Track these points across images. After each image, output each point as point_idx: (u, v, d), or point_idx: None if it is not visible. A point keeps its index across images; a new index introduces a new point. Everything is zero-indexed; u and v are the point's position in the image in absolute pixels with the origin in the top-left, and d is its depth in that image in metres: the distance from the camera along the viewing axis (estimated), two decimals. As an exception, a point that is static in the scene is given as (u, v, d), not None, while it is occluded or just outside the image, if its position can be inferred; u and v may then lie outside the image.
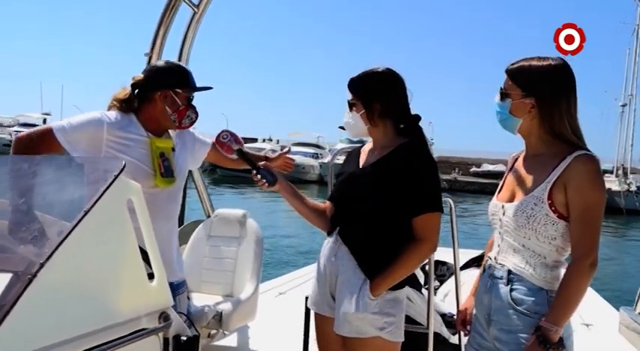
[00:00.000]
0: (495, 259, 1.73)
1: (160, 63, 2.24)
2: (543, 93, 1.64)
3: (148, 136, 2.07)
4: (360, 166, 2.00)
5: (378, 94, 1.94)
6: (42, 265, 1.18)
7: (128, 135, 2.02)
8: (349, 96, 2.00)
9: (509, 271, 1.66)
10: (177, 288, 2.19)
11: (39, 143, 1.93)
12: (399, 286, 1.90)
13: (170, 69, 2.16)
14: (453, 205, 2.48)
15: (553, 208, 1.58)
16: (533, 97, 1.65)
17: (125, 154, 1.98)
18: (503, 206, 1.70)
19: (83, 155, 1.92)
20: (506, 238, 1.69)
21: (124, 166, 1.44)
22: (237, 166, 2.41)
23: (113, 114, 2.05)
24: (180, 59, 3.05)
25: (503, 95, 1.71)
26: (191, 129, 2.29)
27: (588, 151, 1.60)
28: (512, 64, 1.71)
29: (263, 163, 2.08)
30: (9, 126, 38.66)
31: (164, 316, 1.52)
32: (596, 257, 1.55)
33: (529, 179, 1.66)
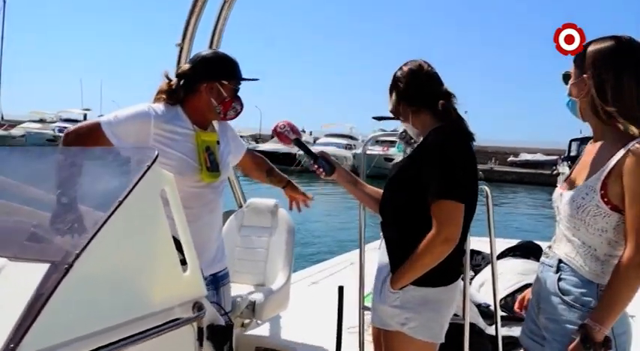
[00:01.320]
0: (551, 247, 1.69)
1: (207, 53, 2.21)
2: (594, 69, 1.55)
3: (194, 130, 2.06)
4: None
5: (396, 91, 1.93)
6: (78, 256, 1.19)
7: (175, 128, 2.02)
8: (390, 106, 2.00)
9: (560, 260, 1.61)
10: (221, 279, 2.24)
11: (87, 138, 1.95)
12: (431, 284, 1.80)
13: (217, 60, 2.13)
14: (489, 193, 2.42)
15: (605, 199, 1.49)
16: (586, 74, 1.57)
17: (172, 148, 1.99)
18: (561, 194, 1.65)
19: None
20: (561, 226, 1.64)
21: (157, 156, 1.44)
22: (263, 181, 2.51)
23: (160, 107, 2.04)
24: (210, 48, 3.05)
25: (566, 77, 1.65)
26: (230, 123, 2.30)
27: None
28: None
29: (320, 151, 2.11)
30: (51, 122, 39.85)
31: (198, 306, 1.52)
32: None
33: (587, 168, 1.59)
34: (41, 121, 41.07)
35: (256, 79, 2.22)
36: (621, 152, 1.48)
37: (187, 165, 2.00)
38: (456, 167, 1.78)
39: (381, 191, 2.09)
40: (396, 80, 1.95)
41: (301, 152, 2.16)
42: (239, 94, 2.17)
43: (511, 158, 39.76)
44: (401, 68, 1.96)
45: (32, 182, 1.67)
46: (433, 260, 1.76)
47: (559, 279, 1.59)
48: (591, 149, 1.63)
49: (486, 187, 2.42)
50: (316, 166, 2.05)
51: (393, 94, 1.95)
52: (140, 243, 1.40)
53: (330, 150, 29.39)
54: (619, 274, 1.46)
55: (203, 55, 2.17)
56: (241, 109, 2.17)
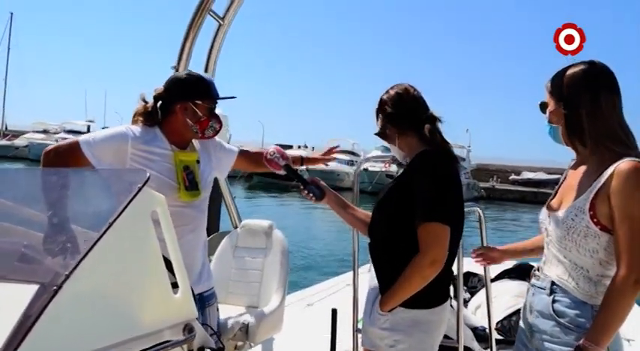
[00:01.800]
0: (540, 268, 1.69)
1: (180, 74, 2.24)
2: (570, 95, 1.59)
3: (172, 150, 2.08)
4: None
5: (383, 114, 1.96)
6: (67, 277, 1.18)
7: (153, 149, 2.04)
8: (377, 122, 2.02)
9: (553, 282, 1.60)
10: (207, 299, 2.21)
11: (66, 156, 1.97)
12: (420, 306, 1.80)
13: (189, 80, 2.15)
14: (482, 215, 2.43)
15: (595, 220, 1.50)
16: (561, 101, 1.61)
17: (149, 168, 1.98)
18: (549, 215, 1.66)
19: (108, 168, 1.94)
20: (551, 248, 1.64)
21: (149, 178, 1.45)
22: (268, 170, 2.41)
23: (138, 128, 2.08)
24: (206, 70, 3.09)
25: (543, 106, 1.69)
26: (216, 138, 2.30)
27: (635, 156, 1.50)
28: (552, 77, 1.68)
29: (311, 178, 2.14)
30: (55, 133, 39.91)
31: (188, 328, 1.51)
32: None
33: (574, 189, 1.59)
34: (45, 131, 41.20)
35: (232, 97, 2.24)
36: (608, 172, 1.49)
37: (165, 184, 2.01)
38: (442, 190, 1.78)
39: (370, 214, 2.10)
40: (382, 103, 1.98)
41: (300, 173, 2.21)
42: (219, 111, 2.18)
43: (513, 177, 39.82)
44: (387, 92, 1.99)
45: (25, 203, 1.67)
46: (420, 282, 1.76)
47: (553, 301, 1.58)
48: (576, 172, 1.64)
49: (478, 209, 2.43)
50: (306, 192, 2.08)
51: (380, 117, 1.99)
52: (130, 264, 1.39)
53: (331, 166, 29.49)
54: (612, 293, 1.46)
55: (176, 76, 2.21)
56: (220, 127, 2.18)
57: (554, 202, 1.68)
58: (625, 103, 1.60)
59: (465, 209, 2.18)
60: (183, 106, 2.09)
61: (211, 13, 2.82)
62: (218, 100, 2.17)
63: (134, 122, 2.12)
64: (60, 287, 1.16)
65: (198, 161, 2.15)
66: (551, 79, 1.66)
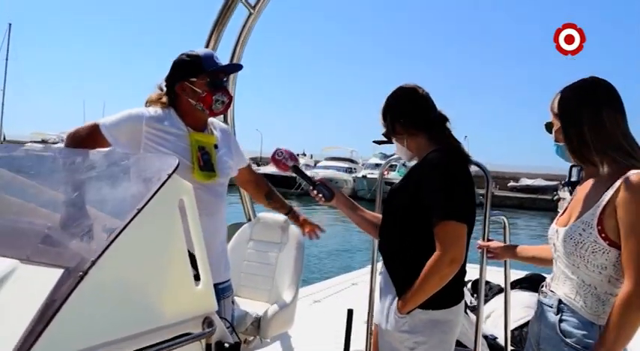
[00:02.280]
0: (548, 285, 1.66)
1: (178, 57, 2.18)
2: (569, 111, 1.58)
3: (188, 131, 2.06)
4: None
5: (392, 115, 1.93)
6: (93, 263, 1.15)
7: (168, 129, 2.03)
8: (382, 123, 2.00)
9: (560, 301, 1.57)
10: (223, 291, 2.17)
11: (86, 138, 2.00)
12: (437, 306, 1.79)
13: (179, 60, 2.11)
14: (507, 223, 2.39)
15: (603, 235, 1.46)
16: (561, 118, 1.60)
17: (164, 147, 2.00)
18: (557, 230, 1.62)
19: (124, 149, 1.96)
20: (559, 264, 1.61)
21: (178, 165, 1.42)
22: (260, 202, 2.47)
23: (153, 109, 2.08)
24: (232, 61, 3.05)
25: (549, 126, 1.69)
26: (238, 141, 2.30)
27: None
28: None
29: (319, 178, 2.13)
30: (54, 143, 40.29)
31: (208, 322, 1.48)
32: None
33: (581, 204, 1.56)
34: (43, 141, 41.62)
35: (237, 66, 2.20)
36: (615, 185, 1.46)
37: (180, 164, 1.98)
38: (459, 189, 1.78)
39: (379, 216, 2.08)
40: (391, 104, 1.95)
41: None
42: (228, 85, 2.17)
43: (511, 183, 39.67)
44: (395, 92, 1.96)
45: (49, 183, 1.65)
46: (440, 282, 1.75)
47: (560, 320, 1.55)
48: (584, 187, 1.62)
49: (504, 218, 2.39)
50: (315, 192, 2.08)
51: (388, 118, 1.95)
52: (155, 253, 1.36)
53: (330, 173, 29.45)
54: (619, 308, 1.42)
55: (174, 60, 2.16)
56: (229, 99, 2.11)
57: (563, 218, 1.65)
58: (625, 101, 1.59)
59: (492, 217, 2.15)
60: (181, 87, 2.07)
61: (243, 1, 2.78)
62: (216, 73, 2.08)
63: (147, 107, 2.12)
64: (86, 273, 1.14)
65: (216, 146, 2.13)
66: (553, 99, 1.65)
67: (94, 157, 1.68)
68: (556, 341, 1.55)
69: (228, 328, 1.76)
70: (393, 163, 2.16)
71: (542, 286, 1.70)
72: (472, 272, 2.16)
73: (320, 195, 2.06)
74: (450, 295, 1.81)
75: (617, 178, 1.46)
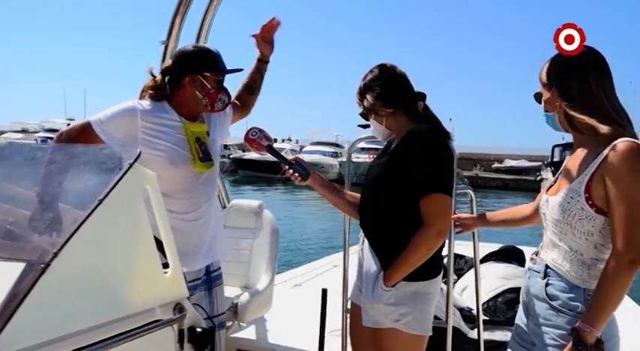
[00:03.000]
0: (537, 253, 1.70)
1: (188, 47, 2.19)
2: (563, 79, 1.59)
3: (182, 122, 2.06)
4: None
5: (372, 94, 1.93)
6: (55, 255, 1.16)
7: (163, 121, 2.03)
8: (359, 109, 2.00)
9: (547, 266, 1.62)
10: (215, 279, 2.23)
11: (77, 137, 1.98)
12: (421, 278, 1.84)
13: (197, 53, 2.12)
14: (473, 196, 2.43)
15: (590, 202, 1.50)
16: (554, 87, 1.61)
17: (162, 140, 2.00)
18: (547, 199, 1.66)
19: (120, 144, 1.93)
20: (548, 232, 1.65)
21: (139, 154, 1.41)
22: (251, 93, 2.39)
23: (146, 102, 2.06)
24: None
25: (537, 96, 1.69)
26: None
27: (629, 137, 1.49)
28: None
29: (295, 157, 2.11)
30: (34, 132, 39.28)
31: (179, 307, 1.49)
32: (638, 254, 1.43)
33: (570, 172, 1.60)
34: (24, 131, 40.56)
35: (240, 70, 2.19)
36: (603, 153, 1.49)
37: (179, 155, 2.01)
38: (444, 163, 1.83)
39: (357, 195, 2.10)
40: (370, 82, 1.96)
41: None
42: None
43: (496, 165, 40.23)
44: (372, 71, 1.97)
45: (10, 179, 1.63)
46: (427, 253, 1.81)
47: (546, 284, 1.59)
48: (573, 156, 1.64)
49: (470, 191, 2.44)
50: (291, 171, 2.05)
51: (368, 96, 1.95)
52: (120, 242, 1.36)
53: (316, 158, 29.38)
54: (608, 275, 1.46)
55: (184, 50, 2.17)
56: (229, 100, 2.15)
57: (553, 188, 1.68)
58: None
59: (457, 191, 2.19)
60: (192, 78, 2.05)
61: (202, -13, 2.74)
62: (226, 73, 2.12)
63: (142, 97, 2.09)
64: (48, 265, 1.14)
65: (208, 133, 2.14)
66: (542, 69, 1.66)
67: (54, 150, 1.66)
68: (543, 304, 1.59)
69: (206, 318, 1.78)
70: (378, 147, 2.17)
71: (533, 254, 1.74)
72: (458, 248, 2.20)
73: (296, 174, 2.04)
74: (432, 267, 1.85)
75: (604, 147, 1.49)
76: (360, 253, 1.99)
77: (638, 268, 1.45)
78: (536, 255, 1.70)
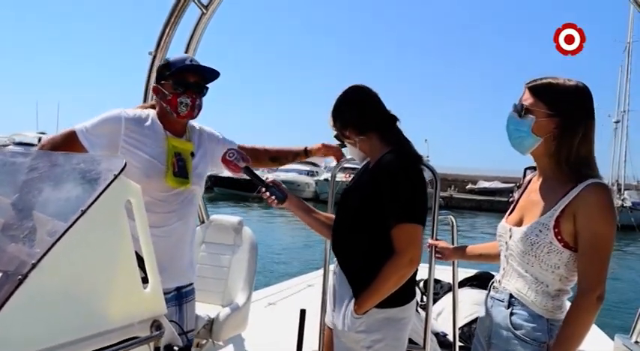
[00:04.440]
0: (499, 281, 1.70)
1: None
2: (570, 114, 1.56)
3: (166, 135, 2.04)
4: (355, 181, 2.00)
5: (342, 120, 1.93)
6: (34, 266, 1.12)
7: (146, 131, 2.02)
8: (333, 126, 1.99)
9: (511, 295, 1.63)
10: (186, 295, 2.17)
11: (62, 146, 1.95)
12: (392, 304, 1.82)
13: (159, 66, 2.13)
14: (454, 222, 2.45)
15: (559, 237, 1.53)
16: (559, 116, 1.57)
17: (141, 150, 1.98)
18: (510, 229, 1.66)
19: (102, 152, 1.92)
20: (511, 261, 1.65)
21: (125, 165, 1.39)
22: (271, 166, 2.46)
23: (132, 111, 2.05)
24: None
25: (526, 111, 1.60)
26: (215, 132, 2.27)
27: (600, 179, 1.54)
28: (535, 80, 1.63)
29: (272, 179, 2.07)
30: (4, 145, 38.35)
31: (156, 325, 1.45)
32: (604, 290, 1.48)
33: (538, 205, 1.61)
34: None
35: (205, 68, 2.06)
36: (575, 191, 1.52)
37: (154, 167, 1.98)
38: (414, 191, 1.81)
39: (332, 216, 2.09)
40: (340, 108, 1.95)
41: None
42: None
43: (470, 186, 40.90)
44: (345, 93, 1.96)
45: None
46: (399, 282, 1.79)
47: (511, 314, 1.60)
48: (537, 187, 1.65)
49: (451, 217, 2.46)
50: (268, 194, 2.02)
51: (338, 122, 1.96)
52: (101, 255, 1.33)
53: (291, 176, 29.41)
54: (576, 311, 1.49)
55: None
56: (193, 101, 2.04)
57: (514, 217, 1.69)
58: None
59: (440, 217, 2.20)
60: (155, 90, 2.07)
61: (195, 1, 2.76)
62: (191, 73, 2.03)
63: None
64: (25, 276, 1.10)
65: (192, 154, 2.11)
66: (543, 86, 1.60)
67: (36, 157, 1.62)
68: (506, 334, 1.60)
69: (180, 334, 1.73)
70: (356, 167, 2.15)
71: (493, 282, 1.75)
72: (423, 271, 2.21)
73: (273, 197, 2.01)
74: (404, 293, 1.84)
75: (574, 184, 1.52)
76: (334, 277, 1.97)
77: (602, 303, 1.49)
78: (498, 283, 1.71)
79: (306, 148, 2.42)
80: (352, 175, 2.11)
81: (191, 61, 2.08)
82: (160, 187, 1.99)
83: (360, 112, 1.92)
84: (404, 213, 1.77)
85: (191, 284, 2.21)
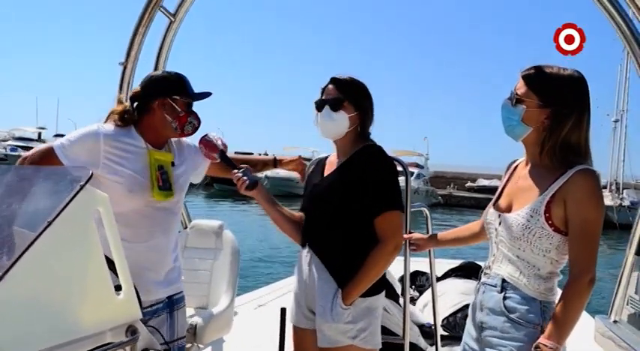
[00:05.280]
0: (490, 267, 1.73)
1: (157, 73, 2.22)
2: (562, 105, 1.58)
3: (147, 148, 2.04)
4: (325, 175, 2.02)
5: (367, 104, 1.99)
6: (1, 278, 1.14)
7: (126, 146, 2.01)
8: (335, 93, 1.96)
9: (503, 280, 1.66)
10: (177, 302, 2.18)
11: (40, 162, 1.95)
12: (372, 293, 1.88)
13: (167, 76, 2.14)
14: (428, 214, 2.50)
15: (550, 222, 1.56)
16: (550, 107, 1.59)
17: (122, 166, 1.97)
18: (500, 216, 1.69)
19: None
20: (501, 247, 1.68)
21: (91, 175, 1.41)
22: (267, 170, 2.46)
23: (110, 126, 2.04)
24: (156, 68, 3.03)
25: (517, 101, 1.62)
26: (188, 140, 2.27)
27: (589, 166, 1.57)
28: (530, 69, 1.63)
29: (246, 166, 2.09)
30: (3, 140, 37.83)
31: (131, 330, 1.47)
32: (595, 273, 1.53)
33: (527, 191, 1.64)
34: None
35: (209, 94, 2.18)
36: (565, 177, 1.55)
37: (137, 182, 1.98)
38: (396, 181, 1.91)
39: (297, 214, 2.10)
40: (357, 92, 1.98)
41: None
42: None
43: (469, 184, 41.09)
44: (361, 84, 1.99)
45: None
46: (385, 268, 1.90)
47: (504, 298, 1.63)
48: (525, 173, 1.68)
49: (425, 209, 2.50)
50: (240, 175, 2.02)
51: (349, 94, 1.95)
52: (70, 265, 1.35)
53: (290, 173, 29.16)
54: (569, 294, 1.53)
55: (153, 75, 2.19)
56: (199, 124, 2.13)
57: (502, 203, 1.72)
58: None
59: (413, 209, 2.25)
60: (162, 102, 2.06)
61: (162, 9, 2.77)
62: (195, 98, 2.12)
63: (107, 120, 2.08)
64: (-7, 288, 1.12)
65: (173, 163, 2.12)
66: (536, 75, 1.61)
67: (7, 172, 1.64)
68: (500, 318, 1.63)
69: (172, 341, 1.75)
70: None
71: (484, 269, 1.78)
72: (417, 265, 2.24)
73: (244, 178, 2.01)
74: (381, 282, 1.92)
75: (564, 169, 1.56)
76: (304, 274, 1.97)
77: (593, 286, 1.53)
78: (489, 269, 1.73)
79: (275, 158, 2.49)
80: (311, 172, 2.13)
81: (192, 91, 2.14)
82: (143, 202, 2.00)
83: (370, 105, 2.00)
84: (391, 202, 1.86)
85: (181, 292, 2.23)
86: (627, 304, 3.41)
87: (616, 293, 3.43)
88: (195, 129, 2.14)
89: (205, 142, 2.11)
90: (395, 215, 1.87)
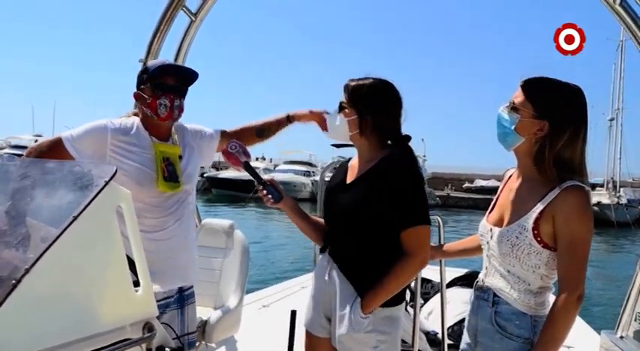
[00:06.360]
0: (483, 280, 1.74)
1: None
2: (557, 118, 1.56)
3: (152, 141, 2.07)
4: (347, 182, 1.95)
5: (373, 108, 1.87)
6: (27, 271, 1.15)
7: (132, 140, 2.04)
8: (343, 97, 1.92)
9: (494, 294, 1.66)
10: (187, 297, 2.19)
11: (48, 152, 1.98)
12: (394, 303, 1.85)
13: (139, 73, 2.14)
14: (441, 223, 2.49)
15: (538, 239, 1.55)
16: (544, 119, 1.57)
17: (129, 159, 2.00)
18: (491, 229, 1.69)
19: (90, 161, 1.92)
20: (493, 261, 1.69)
21: (115, 172, 1.42)
22: (259, 141, 2.36)
23: (118, 120, 2.08)
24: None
25: (513, 109, 1.60)
26: (196, 126, 2.27)
27: (580, 181, 1.55)
28: (529, 79, 1.62)
29: (270, 178, 2.06)
30: (0, 148, 38.03)
31: (148, 327, 1.49)
32: (583, 290, 1.52)
33: (517, 205, 1.63)
34: None
35: (185, 70, 2.10)
36: (554, 193, 1.54)
37: (144, 175, 2.01)
38: (423, 193, 1.84)
39: (322, 221, 2.06)
40: (371, 96, 1.88)
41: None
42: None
43: (466, 184, 40.95)
44: (388, 85, 1.90)
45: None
46: (407, 281, 1.88)
47: (495, 312, 1.64)
48: (517, 187, 1.67)
49: (438, 217, 2.50)
50: (265, 192, 2.00)
51: (362, 99, 1.88)
52: (93, 260, 1.36)
53: (288, 177, 29.38)
54: (558, 310, 1.52)
55: None
56: (171, 102, 2.05)
57: (494, 216, 1.72)
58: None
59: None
60: (135, 96, 2.10)
61: (184, 9, 2.80)
62: (156, 78, 2.04)
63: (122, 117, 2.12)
64: (19, 281, 1.13)
65: (180, 157, 2.13)
66: (534, 86, 1.60)
67: (28, 165, 1.66)
68: (492, 331, 1.64)
69: (182, 336, 1.76)
70: None
71: (477, 281, 1.78)
72: (425, 272, 2.22)
73: (269, 195, 1.99)
74: (401, 293, 1.88)
75: (554, 185, 1.54)
76: (323, 280, 1.94)
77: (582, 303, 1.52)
78: (482, 282, 1.73)
79: (288, 115, 2.37)
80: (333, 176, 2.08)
81: (167, 63, 2.12)
82: (151, 193, 2.02)
83: (385, 112, 1.88)
84: (419, 216, 1.80)
85: (191, 287, 2.23)
86: (635, 320, 3.40)
87: (624, 309, 3.42)
88: (169, 109, 2.04)
89: (228, 154, 2.06)
90: (422, 229, 1.80)
